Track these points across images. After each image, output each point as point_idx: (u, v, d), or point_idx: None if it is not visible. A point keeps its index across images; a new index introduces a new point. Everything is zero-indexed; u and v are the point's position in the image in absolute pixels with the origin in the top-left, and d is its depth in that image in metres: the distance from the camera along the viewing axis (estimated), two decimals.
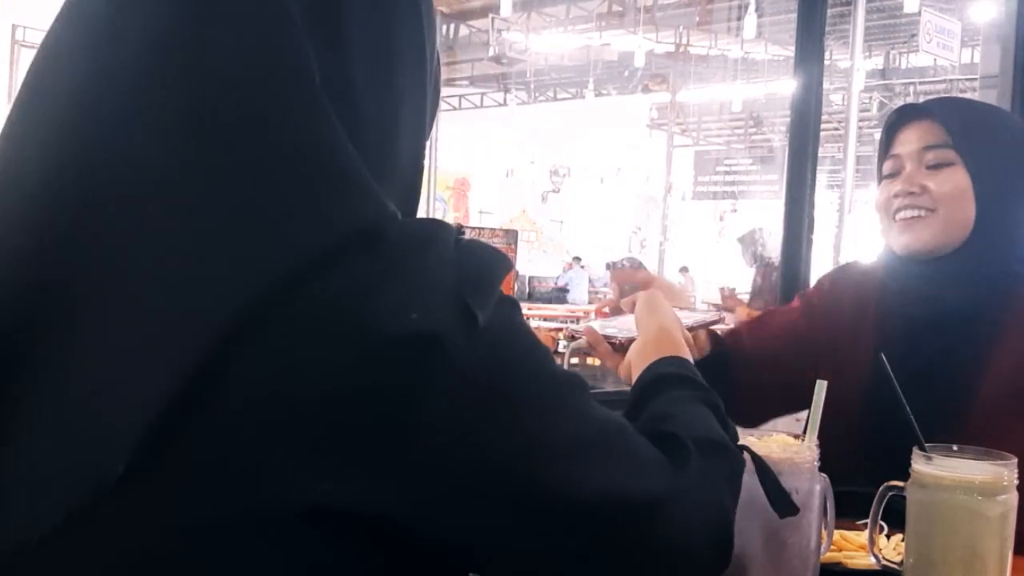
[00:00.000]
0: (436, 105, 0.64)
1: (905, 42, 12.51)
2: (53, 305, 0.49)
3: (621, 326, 0.98)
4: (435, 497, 0.50)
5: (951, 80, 11.71)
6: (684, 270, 16.48)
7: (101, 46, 0.52)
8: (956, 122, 1.16)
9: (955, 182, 1.14)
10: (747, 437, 0.83)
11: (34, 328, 0.49)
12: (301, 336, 0.47)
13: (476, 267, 0.52)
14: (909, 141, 1.18)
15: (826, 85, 2.63)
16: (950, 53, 7.67)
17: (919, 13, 7.87)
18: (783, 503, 0.74)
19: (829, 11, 2.42)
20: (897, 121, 1.22)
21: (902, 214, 1.16)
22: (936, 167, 1.16)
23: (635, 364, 0.85)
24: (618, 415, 0.60)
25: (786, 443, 0.82)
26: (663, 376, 0.78)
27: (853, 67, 8.69)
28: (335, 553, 0.49)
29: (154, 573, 0.47)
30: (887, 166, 1.21)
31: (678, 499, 0.58)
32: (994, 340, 1.09)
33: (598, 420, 0.57)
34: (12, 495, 0.49)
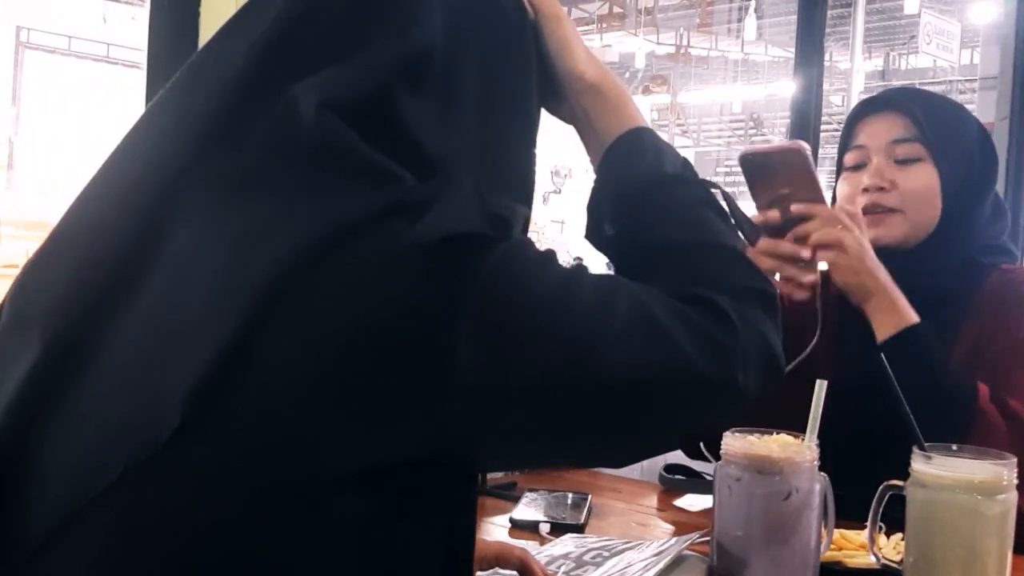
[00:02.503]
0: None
1: (905, 43, 12.52)
2: (119, 278, 0.54)
3: None
4: (488, 414, 0.52)
5: (951, 81, 11.71)
6: None
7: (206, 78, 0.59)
8: (924, 115, 1.15)
9: (924, 179, 1.15)
10: (748, 437, 0.83)
11: (103, 297, 0.54)
12: (345, 280, 0.50)
13: (498, 201, 0.56)
14: (876, 133, 1.17)
15: (826, 86, 2.64)
16: (950, 54, 7.66)
17: (919, 15, 7.86)
18: (748, 229, 0.75)
19: (829, 13, 2.42)
20: (862, 112, 1.20)
21: (870, 212, 1.15)
22: (905, 162, 1.15)
23: (591, 130, 0.74)
24: (644, 296, 0.59)
25: (786, 443, 0.83)
26: (649, 181, 0.69)
27: (853, 68, 8.69)
28: (375, 511, 0.51)
29: (205, 531, 0.49)
30: (851, 158, 1.19)
31: (735, 363, 0.60)
32: (957, 325, 1.11)
33: (643, 307, 0.58)
34: (71, 453, 0.51)
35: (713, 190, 0.72)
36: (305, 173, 0.53)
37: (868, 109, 1.20)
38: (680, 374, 0.57)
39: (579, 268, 0.58)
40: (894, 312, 1.07)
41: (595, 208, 0.71)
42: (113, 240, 0.55)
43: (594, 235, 0.70)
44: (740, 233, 0.73)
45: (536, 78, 0.69)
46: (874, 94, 1.28)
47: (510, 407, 0.53)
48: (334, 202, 0.52)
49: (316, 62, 0.57)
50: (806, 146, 1.05)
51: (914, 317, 1.07)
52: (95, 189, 0.60)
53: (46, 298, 0.56)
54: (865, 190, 1.16)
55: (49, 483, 0.51)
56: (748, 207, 1.11)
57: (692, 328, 0.58)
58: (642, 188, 0.69)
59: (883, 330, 1.06)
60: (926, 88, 1.71)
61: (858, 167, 1.18)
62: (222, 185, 0.54)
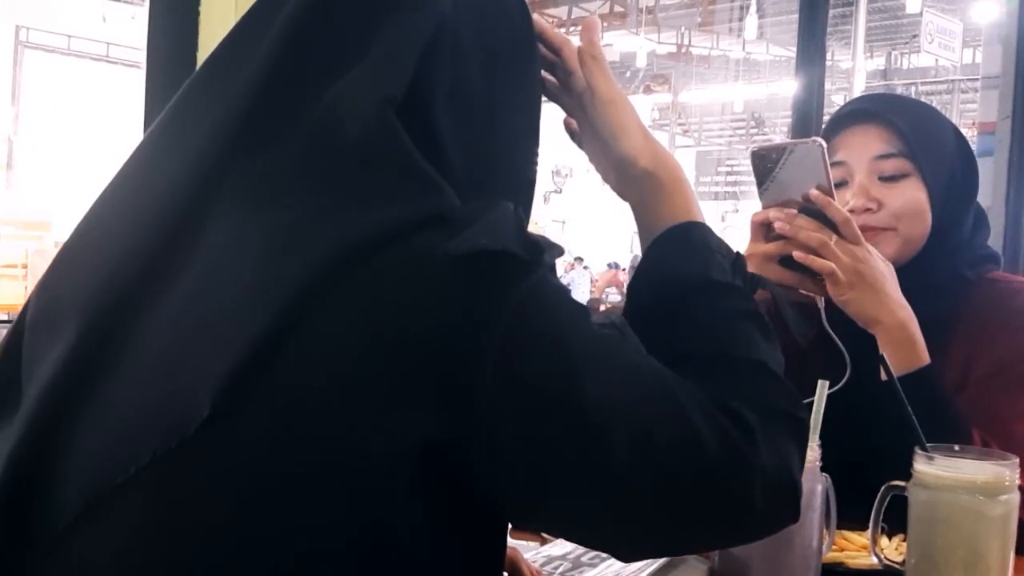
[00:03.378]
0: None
1: (907, 43, 12.53)
2: (154, 270, 0.54)
3: None
4: (501, 432, 0.51)
5: (952, 80, 11.73)
6: None
7: (232, 80, 0.59)
8: (907, 127, 1.08)
9: (912, 196, 1.08)
10: None
11: (138, 288, 0.54)
12: (378, 284, 0.51)
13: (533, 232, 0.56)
14: (857, 148, 1.10)
15: (828, 86, 2.63)
16: (951, 53, 7.67)
17: (921, 14, 7.88)
18: (798, 327, 0.74)
19: (831, 12, 2.42)
20: (839, 125, 1.12)
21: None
22: (891, 179, 1.08)
23: (643, 216, 0.72)
24: (674, 383, 0.57)
25: None
26: (691, 284, 0.67)
27: (855, 68, 8.71)
28: (400, 504, 0.51)
29: (229, 521, 0.49)
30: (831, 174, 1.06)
31: (754, 480, 0.57)
32: (947, 344, 1.05)
33: (671, 391, 0.56)
34: (102, 439, 0.52)
35: (762, 290, 0.71)
36: (354, 174, 0.54)
37: (845, 122, 1.12)
38: (698, 469, 0.55)
39: (621, 333, 0.57)
40: (902, 347, 0.99)
41: (634, 294, 0.69)
42: (147, 233, 0.56)
43: (631, 318, 0.68)
44: (796, 331, 0.71)
45: (539, 79, 0.69)
46: (849, 104, 1.20)
47: (517, 440, 0.52)
48: (379, 206, 0.53)
49: (338, 57, 0.57)
50: (822, 142, 0.99)
51: (924, 357, 1.00)
52: (123, 185, 0.60)
53: (79, 289, 0.56)
54: (851, 211, 1.06)
55: (80, 467, 0.52)
56: (755, 205, 1.08)
57: (719, 432, 0.56)
58: (683, 290, 0.67)
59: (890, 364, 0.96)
60: (899, 94, 1.62)
61: (838, 185, 1.08)
62: (260, 182, 0.54)
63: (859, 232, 1.00)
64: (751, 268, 1.04)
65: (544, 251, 0.55)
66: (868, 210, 1.08)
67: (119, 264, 0.56)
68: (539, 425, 0.52)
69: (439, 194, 0.54)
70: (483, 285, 0.51)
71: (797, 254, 0.99)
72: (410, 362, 0.50)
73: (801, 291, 1.03)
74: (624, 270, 11.11)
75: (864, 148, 1.10)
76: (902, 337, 1.00)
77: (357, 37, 0.58)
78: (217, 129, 0.57)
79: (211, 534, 0.49)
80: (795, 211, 1.00)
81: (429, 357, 0.50)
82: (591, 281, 13.10)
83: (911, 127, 1.09)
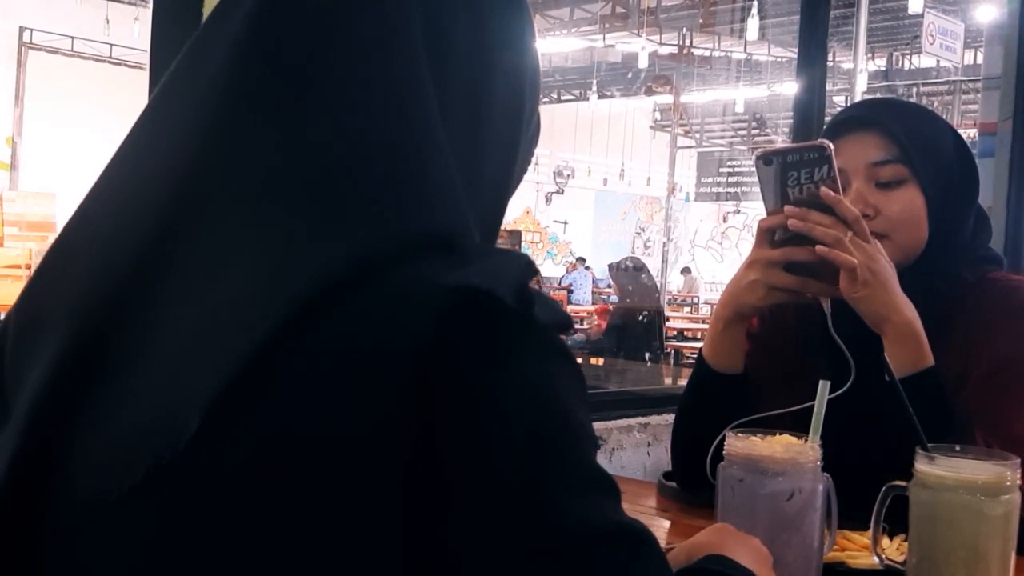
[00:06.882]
0: (529, 154, 0.68)
1: (908, 44, 12.51)
2: (141, 274, 0.53)
3: None
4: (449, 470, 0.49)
5: (954, 81, 11.71)
6: (686, 271, 16.48)
7: (235, 64, 0.56)
8: (904, 133, 1.09)
9: (909, 202, 1.09)
10: (751, 437, 0.83)
11: (138, 294, 0.53)
12: (372, 310, 0.50)
13: (544, 296, 0.54)
14: (854, 155, 1.10)
15: (829, 87, 2.63)
16: (953, 55, 7.67)
17: (922, 15, 7.87)
18: None
19: (832, 13, 2.41)
20: (835, 132, 1.12)
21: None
22: (888, 185, 1.09)
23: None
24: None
25: (789, 443, 0.83)
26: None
27: (856, 69, 8.70)
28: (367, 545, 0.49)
29: (220, 539, 0.48)
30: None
31: None
32: (946, 346, 1.04)
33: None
34: (98, 450, 0.51)
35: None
36: (364, 183, 0.53)
37: (841, 129, 1.12)
38: None
39: (609, 481, 0.52)
40: (910, 346, 1.00)
41: None
42: (134, 232, 0.54)
43: None
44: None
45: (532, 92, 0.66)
46: (845, 111, 1.21)
47: (465, 479, 0.49)
48: (387, 222, 0.52)
49: (307, 56, 0.55)
50: (830, 145, 0.99)
51: (930, 358, 1.00)
52: (107, 186, 0.59)
53: (68, 292, 0.55)
54: None
55: (77, 481, 0.51)
56: (757, 205, 1.08)
57: None
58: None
59: (896, 366, 0.98)
60: (898, 98, 1.61)
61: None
62: (259, 183, 0.53)
63: (868, 231, 1.00)
64: (756, 274, 1.06)
65: (532, 300, 0.52)
66: (865, 216, 1.07)
67: (106, 266, 0.54)
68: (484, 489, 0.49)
69: (452, 215, 0.54)
70: (461, 321, 0.49)
71: (820, 248, 0.98)
72: (383, 390, 0.49)
73: (807, 295, 1.04)
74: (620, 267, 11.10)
75: (861, 155, 1.10)
76: (909, 336, 1.00)
77: (320, 34, 0.55)
78: (195, 131, 0.55)
79: (202, 552, 0.48)
80: (807, 210, 1.00)
81: (401, 386, 0.49)
82: (590, 285, 13.11)
83: (908, 132, 1.10)
